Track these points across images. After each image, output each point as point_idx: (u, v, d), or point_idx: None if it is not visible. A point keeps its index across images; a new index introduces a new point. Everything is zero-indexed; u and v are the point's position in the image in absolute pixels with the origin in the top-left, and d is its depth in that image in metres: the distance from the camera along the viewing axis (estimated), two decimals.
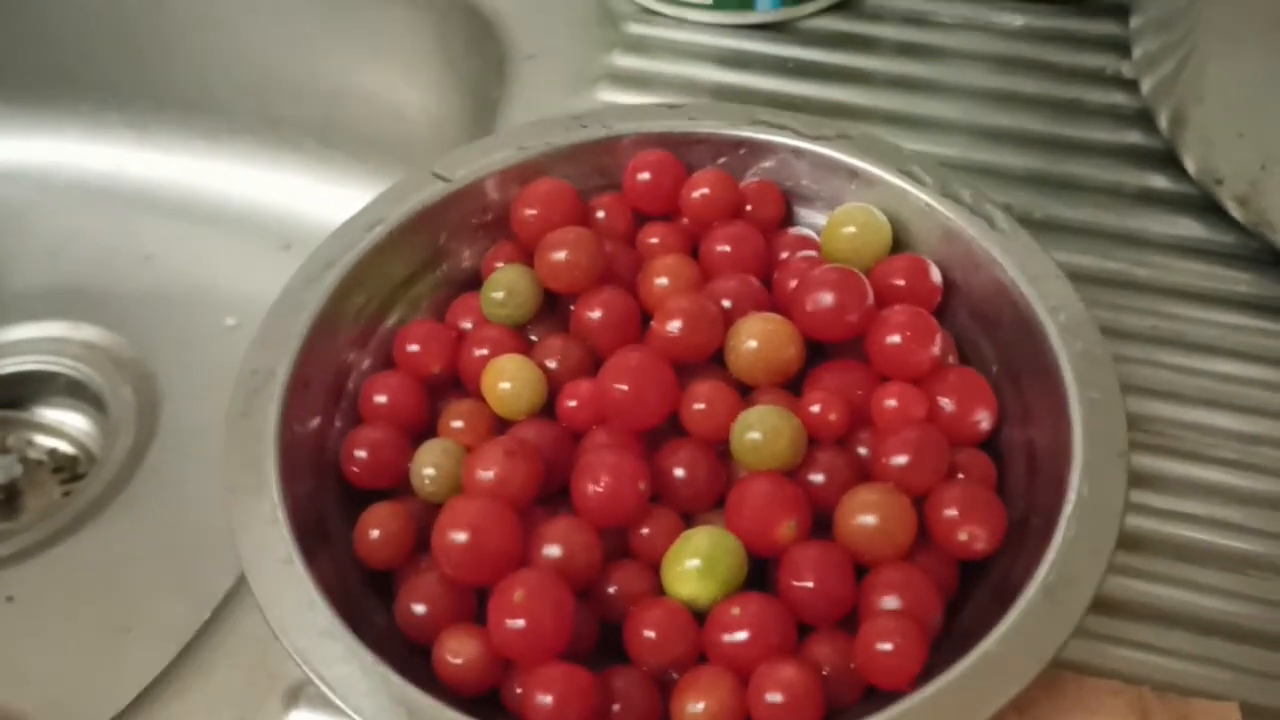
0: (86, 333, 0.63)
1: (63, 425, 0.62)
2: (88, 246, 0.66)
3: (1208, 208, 0.48)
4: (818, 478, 0.35)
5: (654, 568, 0.34)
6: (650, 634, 0.32)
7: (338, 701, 0.30)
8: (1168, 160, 0.50)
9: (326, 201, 0.66)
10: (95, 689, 0.50)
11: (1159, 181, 0.50)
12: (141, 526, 0.56)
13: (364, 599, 0.35)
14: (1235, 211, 0.47)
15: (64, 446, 0.61)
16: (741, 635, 0.32)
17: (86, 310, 0.64)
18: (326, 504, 0.36)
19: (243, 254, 0.65)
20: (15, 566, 0.55)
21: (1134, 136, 0.51)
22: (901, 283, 0.39)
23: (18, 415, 0.62)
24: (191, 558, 0.54)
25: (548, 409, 0.38)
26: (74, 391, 0.62)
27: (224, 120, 0.67)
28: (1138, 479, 0.41)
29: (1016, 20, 0.56)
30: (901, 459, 0.34)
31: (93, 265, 0.66)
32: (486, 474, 0.34)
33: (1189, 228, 0.48)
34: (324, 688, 0.30)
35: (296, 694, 0.37)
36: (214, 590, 0.41)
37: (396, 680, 0.30)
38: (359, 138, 0.66)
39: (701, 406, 0.36)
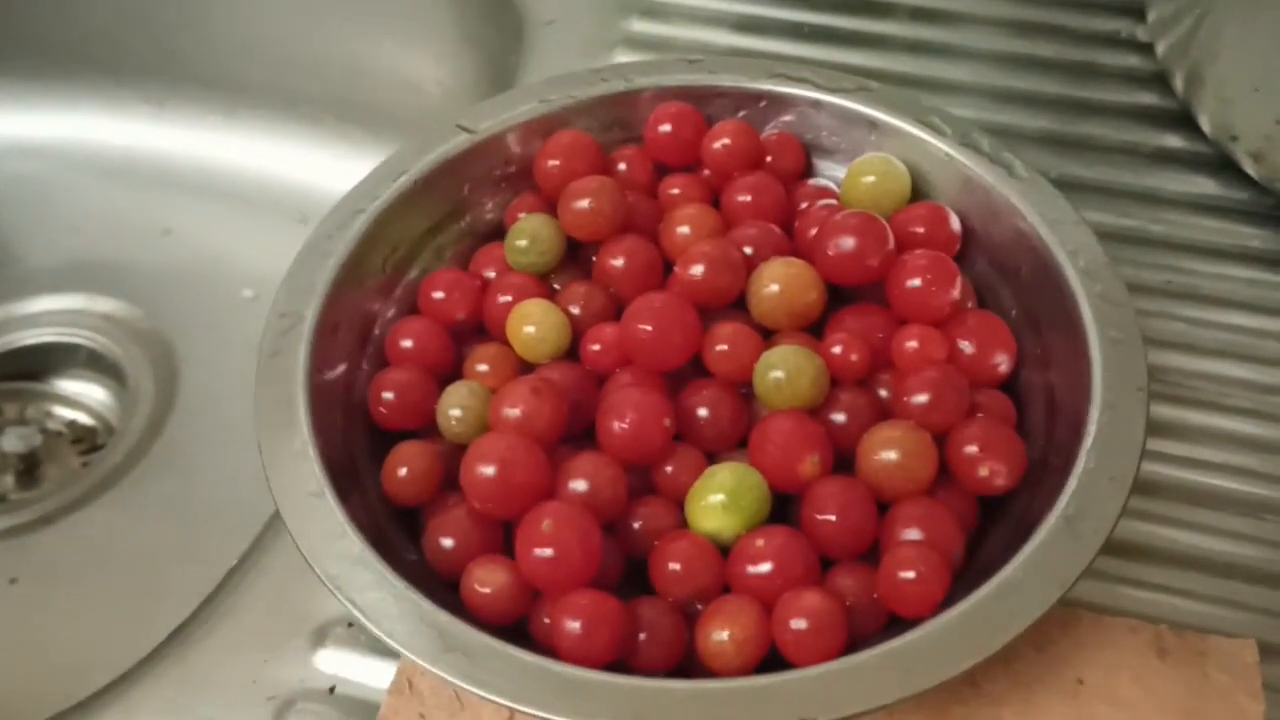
0: (105, 305, 0.64)
1: (82, 397, 0.62)
2: (107, 221, 0.67)
3: (1222, 166, 0.49)
4: (839, 417, 0.35)
5: (678, 504, 0.35)
6: (675, 566, 0.33)
7: (370, 626, 0.30)
8: (1182, 120, 0.50)
9: (343, 175, 0.65)
10: (117, 648, 0.50)
11: (1174, 141, 0.50)
12: (160, 496, 0.57)
13: (393, 537, 0.35)
14: (1250, 168, 0.47)
15: (83, 418, 0.61)
16: (765, 567, 0.32)
17: (106, 283, 0.64)
18: (355, 446, 0.37)
19: (260, 227, 0.66)
20: (35, 534, 0.55)
21: (1149, 97, 0.52)
22: (921, 230, 0.39)
23: (37, 387, 0.62)
24: (209, 525, 0.54)
25: (571, 354, 0.38)
26: (93, 364, 0.62)
27: (242, 95, 0.67)
28: (1155, 427, 0.41)
29: None
30: (922, 398, 0.35)
31: (112, 239, 0.66)
32: (513, 411, 0.34)
33: (1204, 185, 0.49)
34: (356, 613, 0.31)
35: (323, 634, 0.38)
36: (231, 555, 0.41)
37: (427, 605, 0.31)
38: (376, 111, 0.66)
39: (724, 348, 0.36)
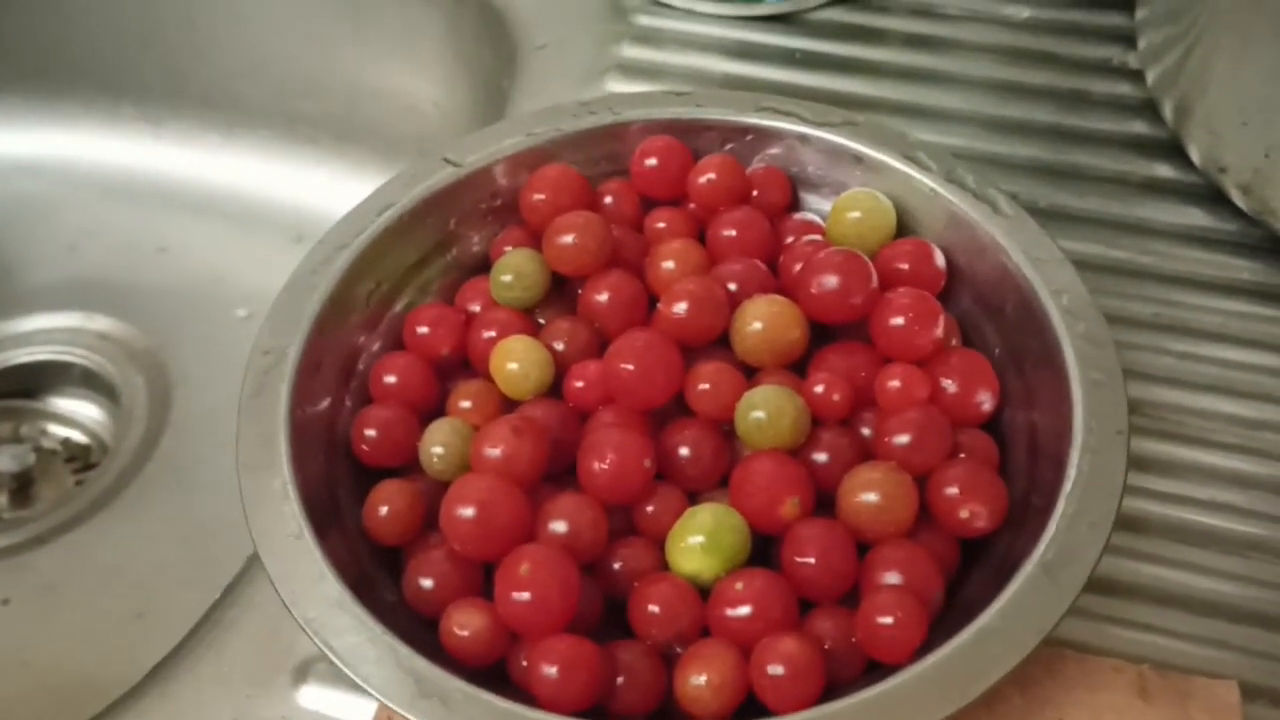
0: (101, 324, 0.64)
1: (76, 415, 0.62)
2: (104, 239, 0.67)
3: (1212, 197, 0.48)
4: (821, 457, 0.35)
5: (659, 544, 0.35)
6: (654, 609, 0.33)
7: (346, 670, 0.30)
8: (1172, 150, 0.50)
9: (340, 196, 0.66)
10: (110, 671, 0.50)
11: (1164, 171, 0.50)
12: (153, 515, 0.57)
13: (375, 576, 0.35)
14: (1239, 200, 0.47)
15: (77, 436, 0.62)
16: (744, 610, 0.32)
17: (101, 302, 0.64)
18: (337, 484, 0.37)
19: (256, 247, 0.66)
20: (28, 554, 0.55)
21: (1139, 127, 0.52)
22: (905, 267, 0.39)
23: (32, 405, 0.63)
24: (203, 545, 0.55)
25: (555, 390, 0.38)
26: (88, 382, 0.62)
27: (239, 115, 0.68)
28: (1141, 463, 0.41)
29: (1023, 12, 0.57)
30: (904, 438, 0.35)
31: (108, 257, 0.66)
32: (494, 451, 0.34)
33: (1193, 216, 0.49)
34: (333, 657, 0.31)
35: (305, 670, 0.38)
36: (225, 576, 0.41)
37: (404, 650, 0.31)
38: (373, 132, 0.66)
39: (706, 386, 0.36)
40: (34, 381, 0.63)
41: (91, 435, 0.62)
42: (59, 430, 0.62)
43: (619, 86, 0.55)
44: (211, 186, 0.68)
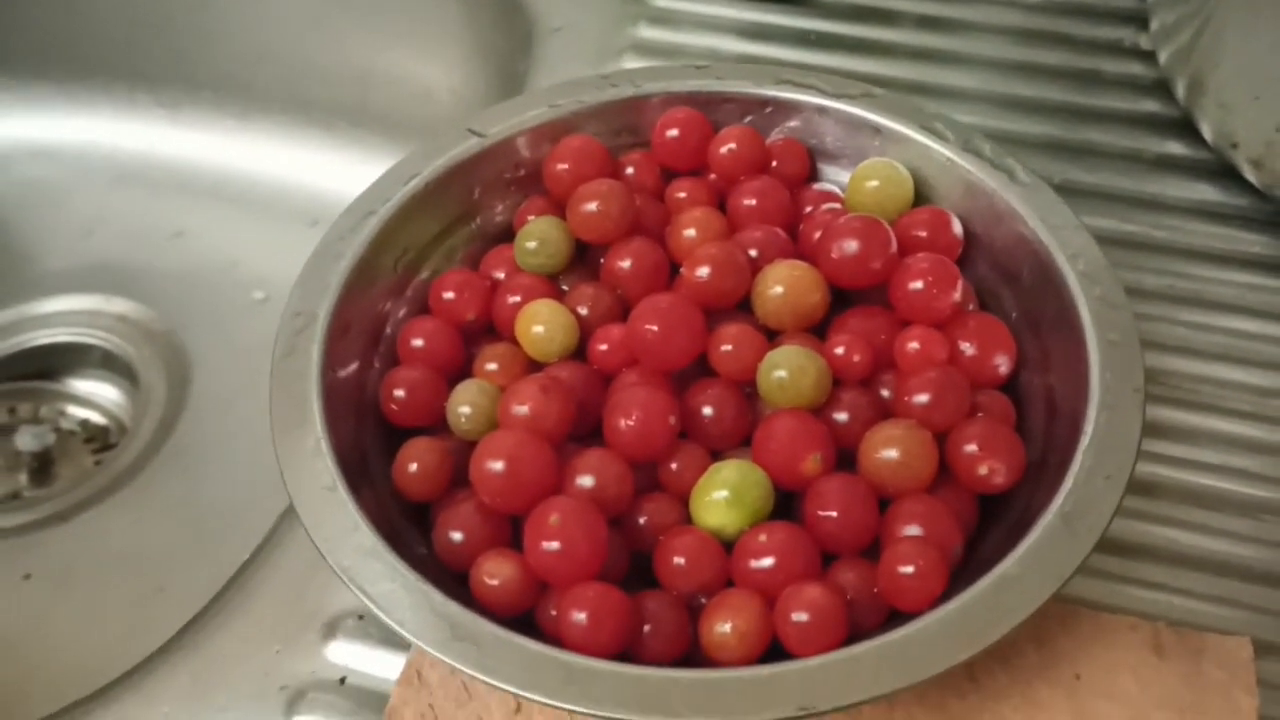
0: (119, 306, 0.64)
1: (95, 396, 0.63)
2: (121, 223, 0.67)
3: (1223, 172, 0.49)
4: (841, 416, 0.36)
5: (683, 500, 0.35)
6: (680, 560, 0.33)
7: (382, 616, 0.31)
8: (1184, 127, 0.51)
9: (355, 180, 0.66)
10: (131, 640, 0.51)
11: (1176, 148, 0.51)
12: (171, 494, 0.57)
13: (404, 531, 0.36)
14: (1250, 174, 0.48)
15: (96, 417, 0.62)
16: (768, 561, 0.33)
17: (119, 285, 0.65)
18: (367, 445, 0.38)
19: (272, 231, 0.66)
20: (49, 531, 0.56)
21: (1151, 105, 0.52)
22: (924, 234, 0.40)
23: (51, 386, 0.63)
24: (220, 524, 0.55)
25: (579, 353, 0.39)
26: (106, 364, 0.63)
27: (255, 100, 0.68)
28: (1155, 429, 0.42)
29: None
30: (923, 398, 0.35)
31: (126, 241, 0.67)
32: (522, 409, 0.35)
33: (1205, 191, 0.49)
34: (369, 603, 0.31)
35: (334, 627, 0.39)
36: (243, 554, 0.42)
37: (438, 596, 0.31)
38: (388, 117, 0.67)
39: (729, 348, 0.37)
40: (53, 363, 0.63)
41: (110, 416, 0.62)
42: (78, 411, 0.62)
43: (635, 67, 0.55)
44: (227, 171, 0.68)
